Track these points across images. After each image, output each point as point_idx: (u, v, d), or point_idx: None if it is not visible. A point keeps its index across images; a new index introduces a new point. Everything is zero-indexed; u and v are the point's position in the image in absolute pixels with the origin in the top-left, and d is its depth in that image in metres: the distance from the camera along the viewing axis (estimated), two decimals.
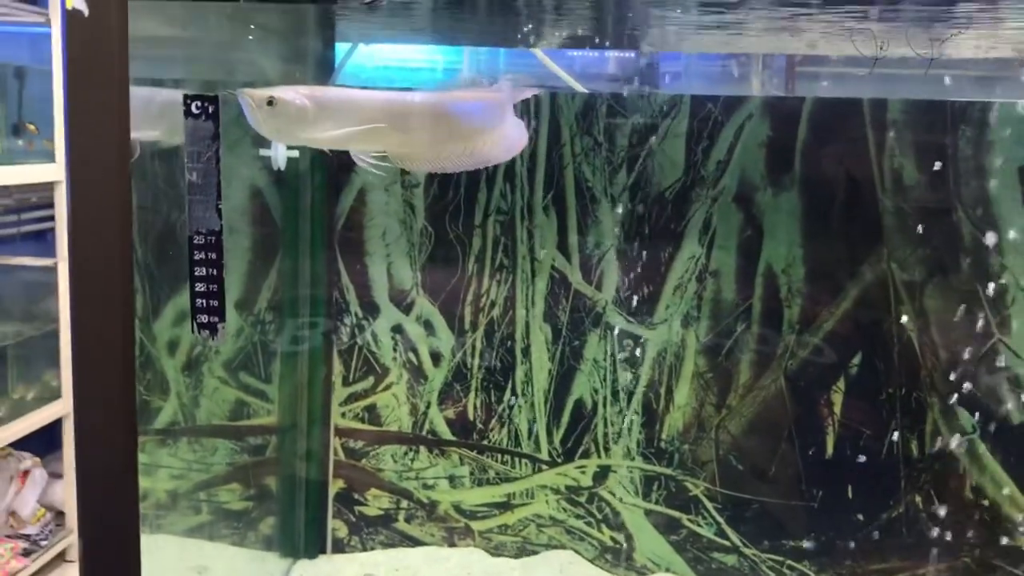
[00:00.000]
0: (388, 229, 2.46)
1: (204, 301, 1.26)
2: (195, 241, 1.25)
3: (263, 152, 1.99)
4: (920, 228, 2.28)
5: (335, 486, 2.53)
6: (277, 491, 2.54)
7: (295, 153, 2.19)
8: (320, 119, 1.61)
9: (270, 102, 1.56)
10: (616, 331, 2.44)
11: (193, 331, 1.28)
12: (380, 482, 2.52)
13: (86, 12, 1.19)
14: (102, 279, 1.22)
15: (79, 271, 1.20)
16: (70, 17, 1.14)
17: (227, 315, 2.58)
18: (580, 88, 2.48)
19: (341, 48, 2.47)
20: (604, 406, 2.46)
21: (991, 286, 2.26)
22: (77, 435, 1.28)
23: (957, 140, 2.25)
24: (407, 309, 2.47)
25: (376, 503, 2.53)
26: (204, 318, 1.26)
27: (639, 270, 2.42)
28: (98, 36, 1.20)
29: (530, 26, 2.21)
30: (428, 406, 2.49)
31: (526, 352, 2.47)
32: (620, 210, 2.41)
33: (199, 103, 1.23)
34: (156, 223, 2.41)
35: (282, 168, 2.05)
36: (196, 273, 1.25)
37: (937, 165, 2.25)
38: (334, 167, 2.42)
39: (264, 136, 1.68)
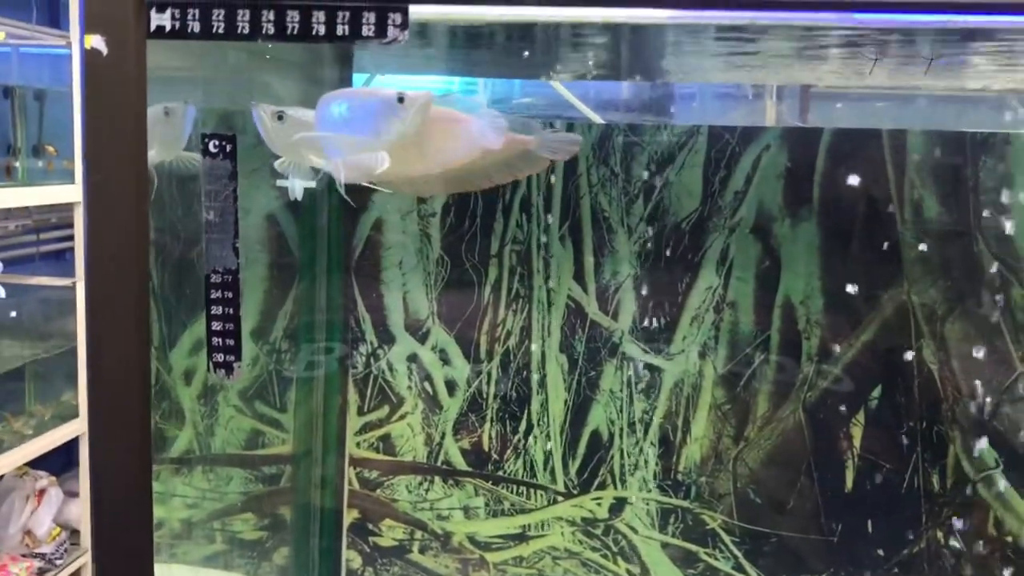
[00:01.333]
0: (405, 258, 2.45)
1: (220, 340, 1.25)
2: (212, 279, 1.25)
3: (280, 183, 1.99)
4: (940, 259, 2.26)
5: (349, 516, 2.52)
6: (291, 521, 2.52)
7: (312, 184, 2.20)
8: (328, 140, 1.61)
9: (280, 116, 1.55)
10: (633, 361, 2.42)
11: (209, 369, 1.27)
12: (395, 512, 2.51)
13: (104, 52, 1.20)
14: (118, 306, 1.22)
15: (95, 298, 1.20)
16: (89, 56, 1.14)
17: (243, 343, 2.58)
18: (596, 119, 2.48)
19: (359, 78, 2.48)
20: (620, 437, 2.44)
21: (1013, 318, 2.23)
22: (92, 459, 1.27)
23: (978, 171, 2.23)
24: (423, 338, 2.46)
25: (390, 534, 2.51)
26: (220, 356, 1.26)
27: (656, 300, 2.41)
28: (116, 76, 1.20)
29: (546, 58, 2.21)
30: (443, 436, 2.48)
31: (542, 382, 2.45)
32: (637, 240, 2.40)
33: (216, 142, 1.23)
34: (174, 252, 2.41)
35: (299, 198, 2.05)
36: (213, 312, 1.24)
37: (958, 196, 2.23)
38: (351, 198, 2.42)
39: (274, 151, 1.68)
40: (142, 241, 1.23)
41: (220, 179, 1.25)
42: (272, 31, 1.19)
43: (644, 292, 2.41)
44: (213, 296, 1.26)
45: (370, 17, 1.15)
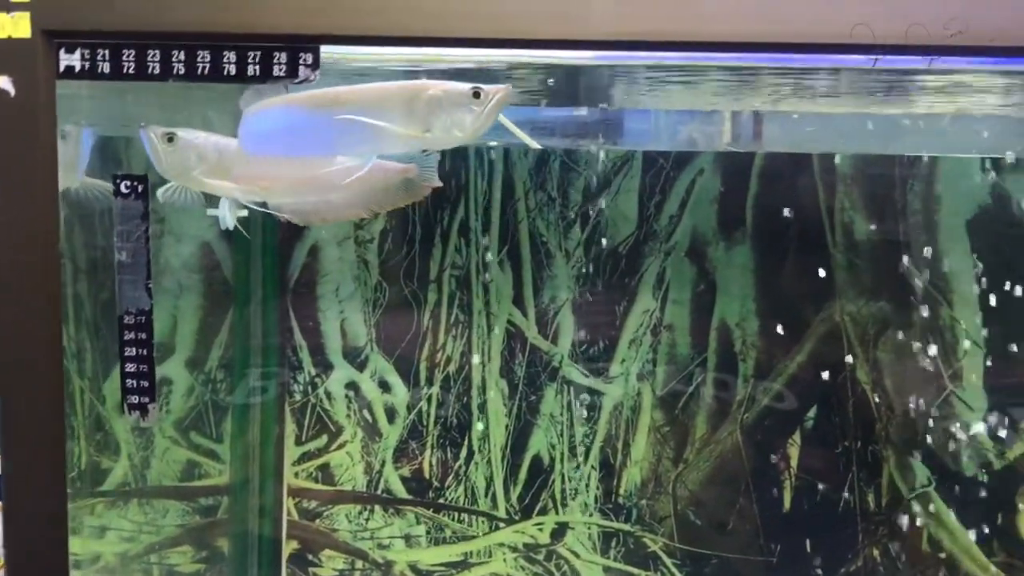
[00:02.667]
0: (342, 284, 2.44)
1: (135, 381, 1.23)
2: (125, 321, 1.23)
3: (210, 212, 1.96)
4: (871, 280, 2.30)
5: (289, 547, 2.49)
6: (229, 553, 2.49)
7: (244, 212, 2.18)
8: (221, 166, 1.57)
9: (170, 138, 1.49)
10: (572, 386, 2.43)
11: (123, 412, 1.25)
12: (334, 542, 2.48)
13: (12, 92, 1.18)
14: (29, 348, 1.20)
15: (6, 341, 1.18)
16: None
17: (178, 374, 2.53)
18: (534, 144, 2.48)
19: None
20: (561, 462, 2.44)
21: (942, 339, 2.27)
22: (5, 490, 1.24)
23: (906, 194, 2.27)
24: (361, 366, 2.44)
25: (330, 564, 2.48)
26: (135, 398, 1.24)
27: (594, 324, 2.42)
28: (24, 117, 1.18)
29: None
30: (383, 464, 2.46)
31: (483, 408, 2.45)
32: (574, 264, 2.41)
33: (128, 182, 1.22)
34: (108, 282, 2.38)
35: (230, 228, 2.02)
36: (126, 353, 1.22)
37: (887, 218, 2.27)
38: (286, 224, 2.40)
39: (164, 176, 1.62)
40: (53, 282, 1.21)
41: (132, 219, 1.23)
42: (183, 72, 1.18)
43: (583, 316, 2.41)
44: (127, 337, 1.24)
45: (281, 57, 1.15)
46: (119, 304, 1.24)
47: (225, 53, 1.15)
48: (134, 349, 1.24)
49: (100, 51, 1.18)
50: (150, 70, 1.18)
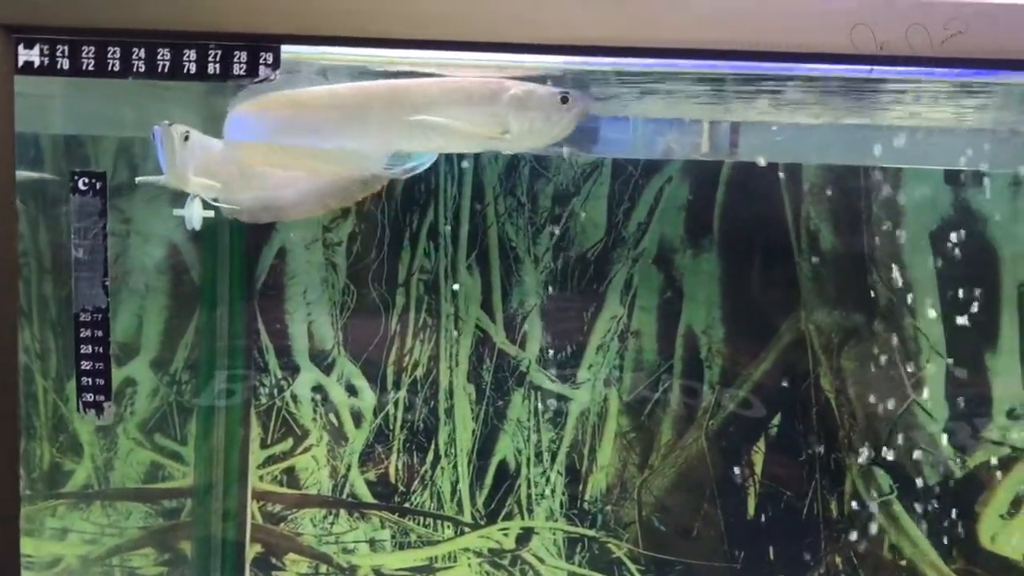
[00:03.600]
0: (309, 288, 2.43)
1: (90, 379, 1.22)
2: (81, 319, 1.22)
3: (177, 212, 1.95)
4: (836, 289, 2.32)
5: (252, 550, 2.47)
6: (192, 556, 2.47)
7: (210, 213, 2.17)
8: (214, 165, 1.56)
9: (187, 137, 1.48)
10: (540, 391, 2.43)
11: (78, 410, 1.24)
12: (299, 546, 2.47)
13: None
14: None
15: None
16: None
17: (143, 375, 2.52)
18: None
19: None
20: (528, 467, 2.44)
21: (905, 348, 2.30)
22: None
23: (871, 204, 2.30)
24: (328, 369, 2.44)
25: (295, 568, 2.47)
26: (90, 396, 1.23)
27: (562, 330, 2.42)
28: None
29: None
30: (349, 468, 2.45)
31: (449, 412, 2.45)
32: (543, 270, 2.41)
33: (86, 179, 1.21)
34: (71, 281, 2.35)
35: (196, 228, 2.02)
36: (82, 351, 1.21)
37: (852, 229, 2.29)
38: (253, 226, 2.39)
39: (173, 178, 1.61)
40: (11, 278, 1.20)
41: (90, 217, 1.23)
42: (143, 69, 1.17)
43: (551, 321, 2.42)
44: (83, 335, 1.23)
45: (241, 56, 1.15)
46: (75, 302, 1.23)
47: (185, 51, 1.15)
48: (90, 347, 1.23)
49: (59, 47, 1.18)
50: (110, 67, 1.17)
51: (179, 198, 1.96)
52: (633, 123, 2.55)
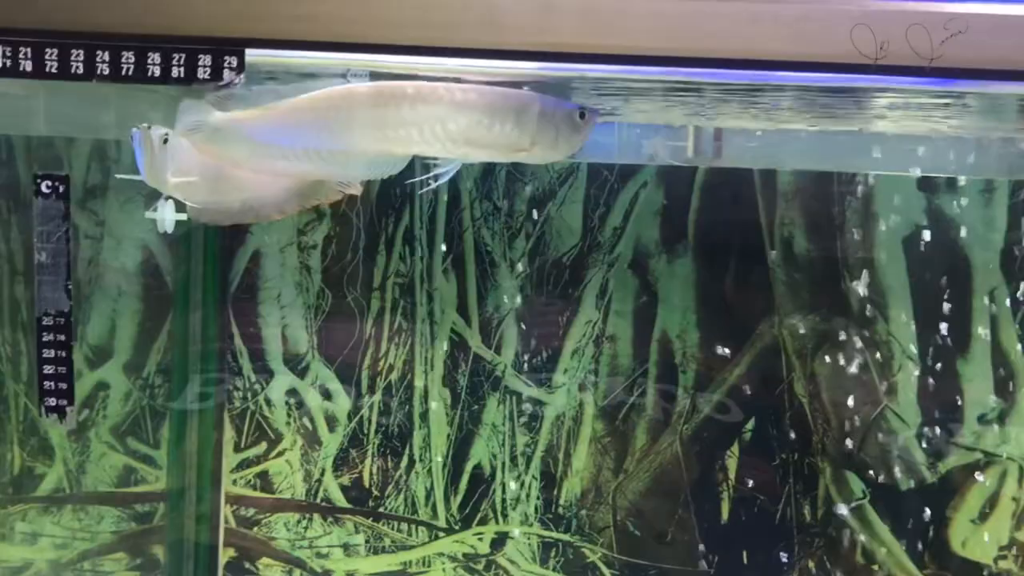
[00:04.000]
0: (284, 290, 2.42)
1: (52, 383, 1.21)
2: (44, 322, 1.21)
3: (149, 214, 1.94)
4: (809, 295, 2.33)
5: (225, 555, 2.46)
6: (165, 561, 2.45)
7: (183, 216, 2.16)
8: (187, 166, 1.54)
9: (166, 140, 1.45)
10: (515, 395, 2.43)
11: (40, 414, 1.23)
12: (272, 551, 2.46)
13: None
14: None
15: None
16: None
17: (116, 378, 2.50)
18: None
19: None
20: (503, 471, 2.44)
21: (878, 354, 2.31)
22: None
23: (844, 210, 2.31)
24: (302, 373, 2.43)
25: (268, 572, 2.46)
26: (52, 401, 1.22)
27: (538, 334, 2.42)
28: None
29: None
30: (323, 473, 2.44)
31: (424, 417, 2.44)
32: (519, 274, 2.41)
33: (49, 182, 1.20)
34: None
35: (169, 231, 2.00)
36: (44, 355, 1.21)
37: (825, 234, 2.31)
38: (227, 229, 2.38)
39: (151, 181, 1.60)
40: None
41: (52, 220, 1.22)
42: (107, 72, 1.17)
43: (526, 326, 2.42)
44: (45, 339, 1.22)
45: (206, 60, 1.14)
46: (37, 305, 1.23)
47: (150, 54, 1.15)
48: (52, 351, 1.22)
49: (22, 49, 1.17)
50: (73, 70, 1.16)
51: (153, 201, 1.95)
52: (618, 128, 2.55)
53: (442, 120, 1.28)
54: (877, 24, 1.22)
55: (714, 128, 2.73)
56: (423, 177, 1.51)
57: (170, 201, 2.06)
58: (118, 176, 1.91)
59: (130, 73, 1.15)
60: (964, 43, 1.23)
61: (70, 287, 1.21)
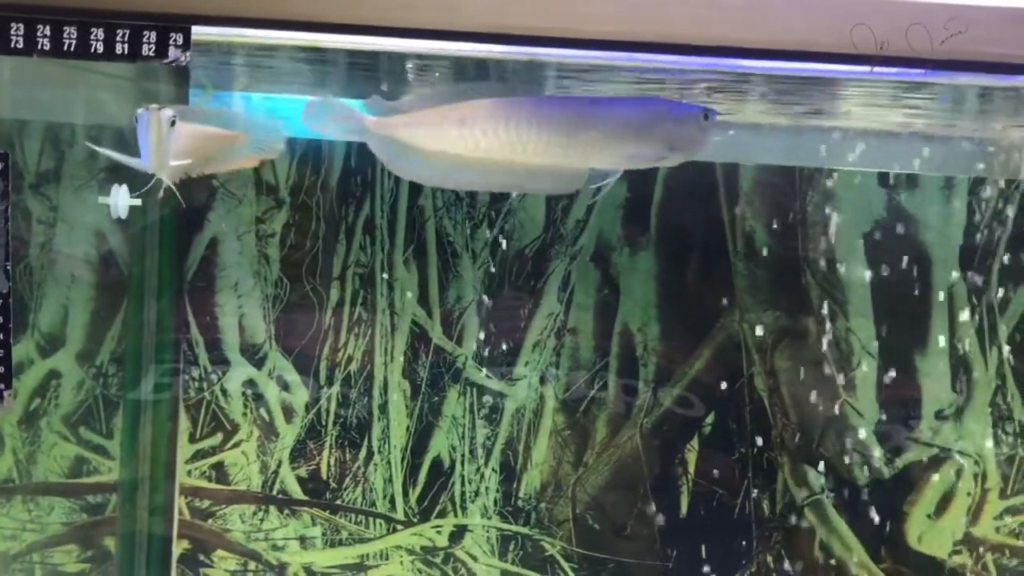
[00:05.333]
0: (241, 280, 2.38)
1: None
2: None
3: (102, 200, 1.90)
4: (770, 289, 2.33)
5: (179, 547, 2.42)
6: (117, 552, 2.41)
7: (138, 201, 2.11)
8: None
9: (173, 123, 1.45)
10: (476, 387, 2.41)
11: None
12: (227, 543, 2.42)
13: None
14: None
15: None
16: None
17: (69, 367, 2.45)
18: None
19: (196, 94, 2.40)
20: (462, 464, 2.42)
21: (837, 348, 2.32)
22: None
23: (805, 205, 2.31)
24: (259, 363, 2.39)
25: (222, 565, 2.42)
26: None
27: (499, 326, 2.40)
28: None
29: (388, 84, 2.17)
30: (279, 464, 2.41)
31: (383, 408, 2.42)
32: (481, 265, 2.39)
33: None
34: None
35: (123, 217, 1.96)
36: None
37: (786, 229, 2.31)
38: (184, 215, 2.34)
39: (150, 165, 1.57)
40: None
41: None
42: (48, 47, 1.13)
43: (488, 317, 2.40)
44: None
45: (151, 36, 1.11)
46: None
47: (93, 30, 1.11)
48: None
49: None
50: (13, 44, 1.13)
51: (107, 186, 1.91)
52: None
53: (607, 140, 1.44)
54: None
55: None
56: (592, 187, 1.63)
57: (124, 187, 2.01)
58: (111, 156, 1.86)
59: (72, 49, 1.12)
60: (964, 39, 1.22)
61: (8, 268, 1.18)
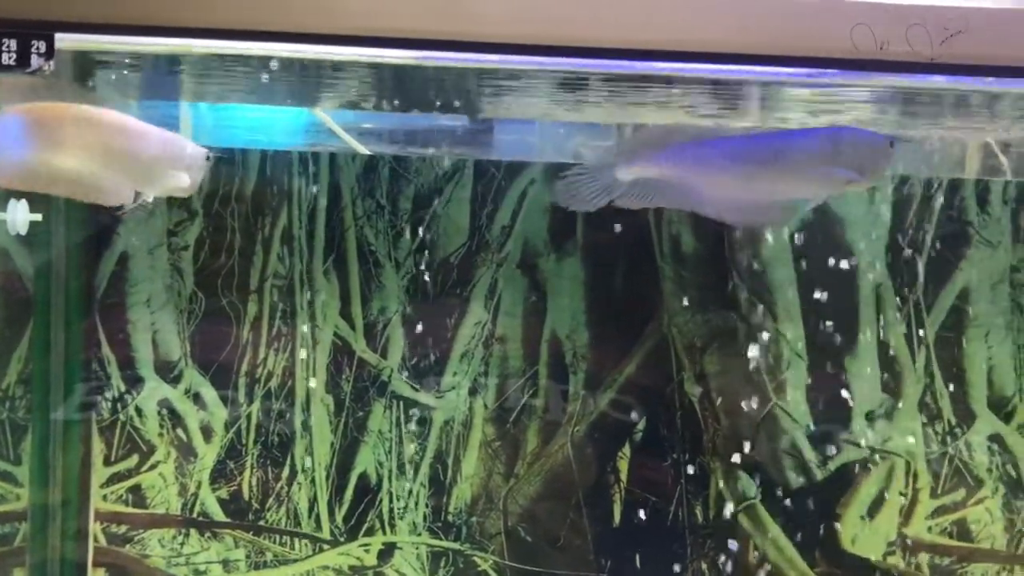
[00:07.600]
0: (153, 295, 2.29)
1: None
2: None
3: None
4: (698, 293, 2.30)
5: (95, 575, 2.32)
6: None
7: (38, 216, 2.02)
8: None
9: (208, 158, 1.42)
10: (402, 400, 2.35)
11: None
12: (146, 569, 2.33)
13: None
14: None
15: None
16: None
17: None
18: (362, 149, 2.40)
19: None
20: (390, 480, 2.35)
21: (767, 351, 2.29)
22: None
23: None
24: (175, 381, 2.30)
25: None
26: None
27: (425, 337, 2.34)
28: None
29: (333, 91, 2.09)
30: (199, 486, 2.32)
31: (306, 425, 2.34)
32: (405, 275, 2.33)
33: None
34: None
35: (22, 233, 1.87)
36: None
37: (713, 232, 2.28)
38: (93, 230, 2.25)
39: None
40: None
41: None
42: None
43: (413, 328, 2.34)
44: None
45: (11, 44, 1.03)
46: None
47: None
48: None
49: None
50: None
51: (1, 202, 1.82)
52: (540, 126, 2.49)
53: (804, 168, 1.49)
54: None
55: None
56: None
57: (22, 202, 1.92)
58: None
59: None
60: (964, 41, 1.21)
61: None
